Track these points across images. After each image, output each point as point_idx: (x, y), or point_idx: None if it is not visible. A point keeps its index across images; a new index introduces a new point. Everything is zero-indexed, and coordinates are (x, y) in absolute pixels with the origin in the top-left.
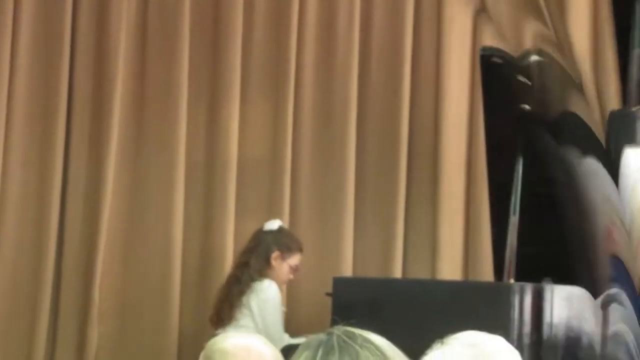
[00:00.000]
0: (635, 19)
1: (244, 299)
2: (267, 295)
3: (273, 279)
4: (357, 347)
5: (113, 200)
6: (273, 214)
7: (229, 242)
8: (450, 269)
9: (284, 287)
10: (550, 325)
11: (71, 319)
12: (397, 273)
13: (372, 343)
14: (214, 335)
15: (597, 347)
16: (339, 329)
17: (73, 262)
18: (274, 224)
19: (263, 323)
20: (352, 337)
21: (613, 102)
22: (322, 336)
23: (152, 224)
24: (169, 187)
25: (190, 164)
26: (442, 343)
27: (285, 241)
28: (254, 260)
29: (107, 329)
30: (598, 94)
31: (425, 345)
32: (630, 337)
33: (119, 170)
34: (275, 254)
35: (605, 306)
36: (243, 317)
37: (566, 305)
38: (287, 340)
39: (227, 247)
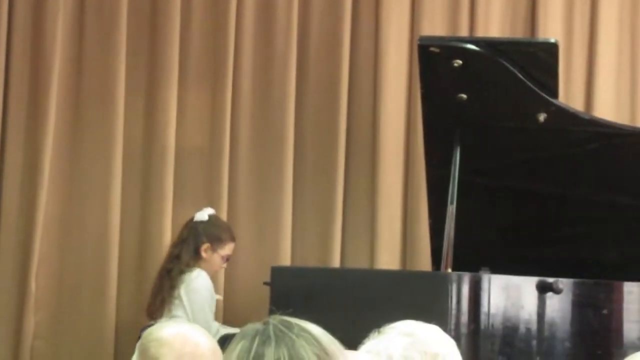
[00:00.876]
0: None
1: (175, 292)
2: (195, 285)
3: (204, 269)
4: (294, 337)
5: (50, 188)
6: (211, 203)
7: (167, 231)
8: (388, 259)
9: (221, 275)
10: (488, 314)
11: (7, 307)
12: (336, 263)
13: (308, 332)
14: (149, 325)
15: (535, 336)
16: (275, 319)
17: (9, 251)
18: (204, 214)
19: (192, 313)
20: (289, 326)
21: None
22: (258, 325)
23: (90, 212)
24: (106, 175)
25: (128, 152)
26: (379, 332)
27: (215, 232)
28: (184, 252)
29: (44, 317)
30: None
31: (363, 334)
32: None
33: (56, 158)
34: (205, 246)
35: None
36: (176, 309)
37: (503, 294)
38: (217, 329)
39: (164, 235)
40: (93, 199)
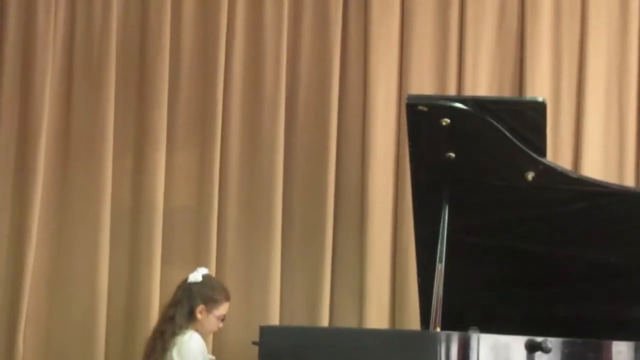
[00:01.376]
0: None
1: (167, 354)
2: (187, 347)
3: (198, 330)
4: None
5: (38, 247)
6: (199, 262)
7: (155, 290)
8: (377, 318)
9: (210, 335)
10: None
11: None
12: (325, 321)
13: None
14: None
15: None
16: None
17: None
18: (197, 275)
19: None
20: None
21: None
22: None
23: (78, 271)
24: (94, 234)
25: (116, 211)
26: None
27: (209, 293)
28: (179, 314)
29: None
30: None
31: None
32: None
33: (44, 217)
34: (200, 308)
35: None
36: None
37: (492, 354)
38: None
39: (153, 294)
40: (81, 258)
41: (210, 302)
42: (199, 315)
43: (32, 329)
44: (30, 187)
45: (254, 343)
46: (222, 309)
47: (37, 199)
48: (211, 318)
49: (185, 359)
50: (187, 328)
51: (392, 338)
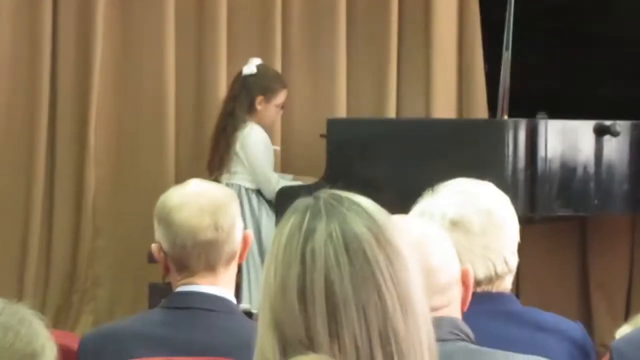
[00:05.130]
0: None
1: (231, 149)
2: (250, 140)
3: (259, 121)
4: (344, 210)
5: (104, 45)
6: (264, 55)
7: (222, 83)
8: (444, 107)
9: (278, 126)
10: (545, 159)
11: (68, 163)
12: (392, 113)
13: (358, 205)
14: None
15: (592, 178)
16: (326, 192)
17: (67, 107)
18: (251, 67)
19: (250, 167)
20: (339, 200)
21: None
22: (309, 200)
23: (145, 68)
24: (160, 28)
25: (180, 4)
26: (433, 191)
27: (266, 83)
28: (238, 108)
29: (104, 172)
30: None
31: (420, 184)
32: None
33: (109, 13)
34: (259, 99)
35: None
36: (234, 165)
37: (560, 138)
38: (277, 180)
39: (220, 87)
40: (147, 50)
41: (268, 92)
42: (258, 107)
43: (103, 121)
44: None
45: (322, 136)
46: (281, 96)
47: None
48: (271, 107)
49: (248, 152)
50: (247, 121)
51: (460, 126)
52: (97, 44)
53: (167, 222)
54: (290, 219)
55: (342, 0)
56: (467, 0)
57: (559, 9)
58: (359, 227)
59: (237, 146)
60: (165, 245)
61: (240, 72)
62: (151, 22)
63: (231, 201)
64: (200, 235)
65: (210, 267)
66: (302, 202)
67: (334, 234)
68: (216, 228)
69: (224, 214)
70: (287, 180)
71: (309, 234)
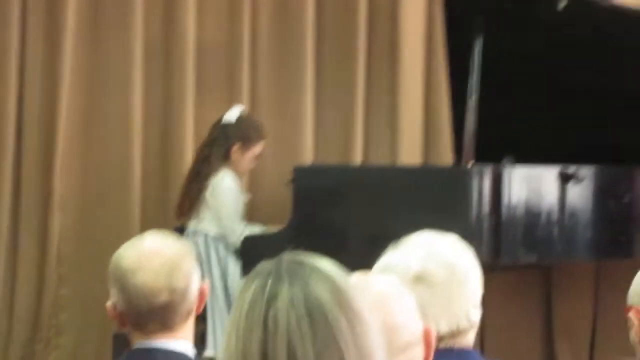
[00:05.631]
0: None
1: (202, 194)
2: (220, 187)
3: (234, 169)
4: (306, 275)
5: (71, 88)
6: (232, 100)
7: (189, 126)
8: (410, 152)
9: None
10: (509, 205)
11: (32, 207)
12: (358, 158)
13: (321, 270)
14: (179, 227)
15: (556, 224)
16: (288, 256)
17: (32, 149)
18: (232, 115)
19: (217, 215)
20: (301, 264)
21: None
22: (270, 264)
23: (111, 111)
24: (127, 71)
25: (149, 48)
26: (396, 245)
27: (245, 132)
28: (214, 154)
29: (69, 219)
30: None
31: (386, 230)
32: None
33: (77, 53)
34: (236, 147)
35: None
36: (203, 211)
37: (524, 184)
38: (242, 231)
39: (186, 130)
40: (114, 97)
41: (247, 141)
42: (234, 155)
43: (68, 168)
44: (62, 28)
45: (289, 183)
46: (258, 147)
47: (69, 38)
48: (246, 157)
49: (217, 199)
50: (221, 168)
51: (426, 173)
52: (64, 88)
53: (121, 285)
54: (253, 284)
55: (310, 46)
56: (434, 45)
57: (527, 55)
58: (320, 292)
59: (208, 192)
60: (120, 306)
61: (221, 118)
62: (118, 64)
63: (186, 259)
64: (155, 300)
65: (167, 326)
66: (263, 266)
67: (295, 299)
68: (171, 292)
69: (178, 275)
70: (256, 228)
71: (271, 299)
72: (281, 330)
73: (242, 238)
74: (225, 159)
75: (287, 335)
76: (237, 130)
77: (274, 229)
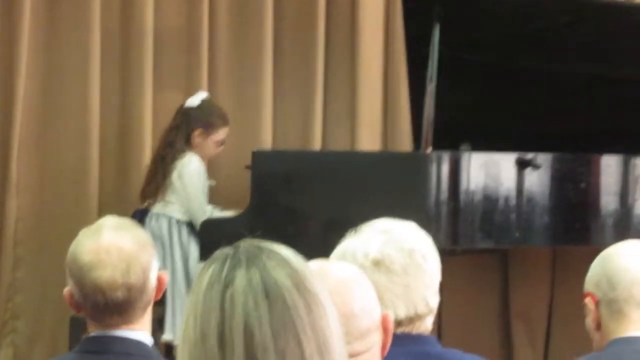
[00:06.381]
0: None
1: (168, 178)
2: (187, 171)
3: (197, 154)
4: (264, 258)
5: (27, 78)
6: (191, 86)
7: (148, 114)
8: (369, 139)
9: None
10: (467, 191)
11: None
12: (317, 144)
13: (279, 254)
14: (142, 209)
15: (513, 210)
16: (245, 242)
17: None
18: (195, 100)
19: (186, 198)
20: (259, 249)
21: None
22: (228, 249)
23: (69, 99)
24: (84, 61)
25: (105, 37)
26: (356, 231)
27: (207, 118)
28: (178, 139)
29: (26, 202)
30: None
31: (345, 215)
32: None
33: (33, 47)
34: (197, 132)
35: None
36: (169, 194)
37: (482, 171)
38: (210, 211)
39: (145, 119)
40: (72, 85)
41: (208, 127)
42: (196, 139)
43: (26, 151)
44: (18, 19)
45: (247, 167)
46: (220, 133)
47: (25, 30)
48: (209, 142)
49: (185, 182)
50: (186, 152)
51: (384, 159)
52: (21, 74)
53: (78, 279)
54: (210, 268)
55: (269, 31)
56: (392, 33)
57: (485, 43)
58: (278, 274)
59: (174, 175)
60: (77, 297)
61: (183, 104)
62: (75, 53)
63: (144, 251)
64: (112, 296)
65: (125, 320)
66: (221, 252)
67: (253, 281)
68: (129, 288)
69: (136, 270)
70: (225, 212)
71: (229, 281)
72: (238, 312)
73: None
74: (188, 143)
75: (244, 317)
76: (199, 115)
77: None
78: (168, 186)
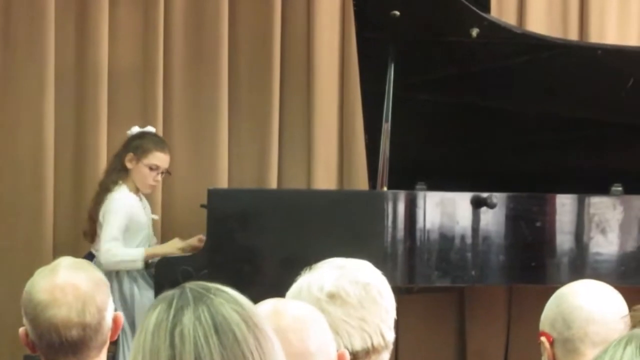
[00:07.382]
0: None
1: (100, 212)
2: (111, 207)
3: (135, 181)
4: (212, 296)
5: None
6: (146, 122)
7: (102, 152)
8: (325, 178)
9: (159, 195)
10: (423, 230)
11: None
12: (273, 183)
13: (226, 292)
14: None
15: (469, 249)
16: (192, 283)
17: None
18: (134, 129)
19: (102, 234)
20: (206, 288)
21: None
22: (174, 290)
23: (23, 135)
24: (39, 97)
25: (60, 74)
26: (310, 269)
27: (139, 142)
28: (112, 167)
29: None
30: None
31: (301, 254)
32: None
33: None
34: (128, 157)
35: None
36: (99, 228)
37: (439, 210)
38: (118, 251)
39: (100, 157)
40: (26, 122)
41: (139, 150)
42: (128, 165)
43: None
44: None
45: (203, 206)
46: (152, 158)
47: None
48: (141, 167)
49: (106, 215)
50: (120, 181)
51: (340, 197)
52: None
53: (33, 318)
54: (157, 309)
55: (224, 68)
56: (347, 73)
57: (439, 83)
58: (226, 310)
59: (101, 215)
60: (32, 336)
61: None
62: (30, 86)
63: (100, 291)
64: (67, 335)
65: (79, 359)
66: (167, 293)
67: (202, 318)
68: (84, 327)
69: (92, 310)
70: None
71: (177, 320)
72: (188, 348)
73: (113, 259)
74: (122, 170)
75: (195, 352)
76: (132, 140)
77: (173, 244)
78: (98, 226)
